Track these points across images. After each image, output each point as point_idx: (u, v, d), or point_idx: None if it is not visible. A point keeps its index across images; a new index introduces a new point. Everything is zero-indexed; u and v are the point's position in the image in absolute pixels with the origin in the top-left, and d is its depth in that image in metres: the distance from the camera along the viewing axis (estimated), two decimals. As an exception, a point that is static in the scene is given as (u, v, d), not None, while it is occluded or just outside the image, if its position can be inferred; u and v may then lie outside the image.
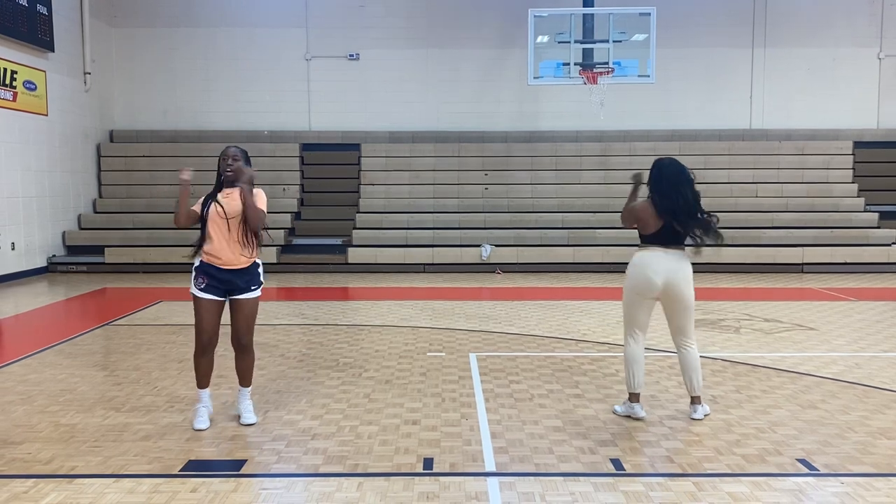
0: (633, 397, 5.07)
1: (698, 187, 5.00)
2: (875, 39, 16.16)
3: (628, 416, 5.06)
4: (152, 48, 16.11)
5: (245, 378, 5.04)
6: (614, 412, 5.16)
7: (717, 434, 4.75)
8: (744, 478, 4.05)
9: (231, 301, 4.88)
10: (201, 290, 4.79)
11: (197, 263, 4.85)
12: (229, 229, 4.75)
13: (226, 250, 4.76)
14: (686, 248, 5.00)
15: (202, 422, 4.87)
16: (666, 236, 4.93)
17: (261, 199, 4.80)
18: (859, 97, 16.28)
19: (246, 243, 4.80)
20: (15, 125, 12.55)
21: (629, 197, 5.21)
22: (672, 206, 4.88)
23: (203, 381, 4.94)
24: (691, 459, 4.32)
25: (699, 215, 4.93)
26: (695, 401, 5.08)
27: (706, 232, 4.94)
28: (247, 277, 4.85)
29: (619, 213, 5.26)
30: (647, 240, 4.99)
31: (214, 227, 4.76)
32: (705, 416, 5.07)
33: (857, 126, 16.24)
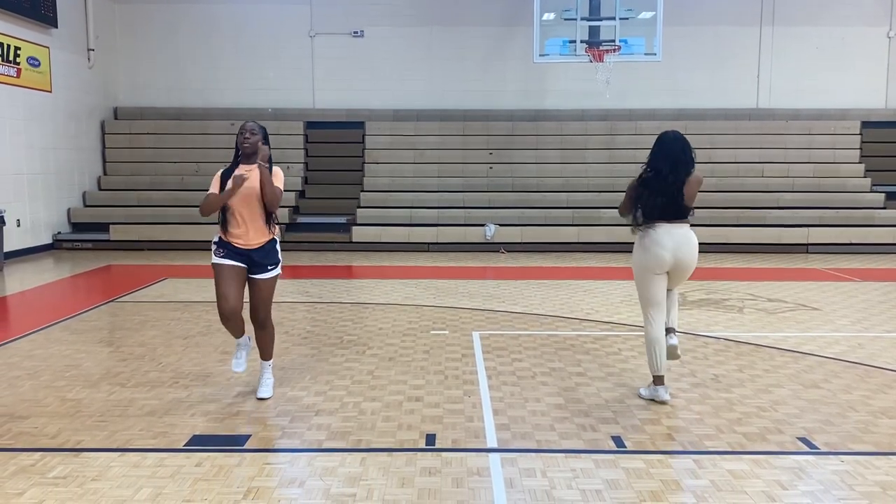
0: (658, 380, 4.99)
1: (704, 171, 4.90)
2: (884, 18, 15.97)
3: (652, 400, 4.98)
4: (156, 25, 16.01)
5: (265, 352, 5.10)
6: (639, 395, 5.10)
7: (718, 412, 4.77)
8: (744, 455, 4.07)
9: (249, 279, 4.88)
10: (221, 257, 4.79)
11: (216, 239, 4.86)
12: (249, 206, 4.74)
13: (245, 227, 4.76)
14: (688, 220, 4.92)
15: (239, 364, 5.05)
16: (668, 210, 4.83)
17: (278, 177, 4.83)
18: (867, 77, 16.12)
19: (264, 220, 4.81)
20: (19, 102, 12.53)
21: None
22: (658, 184, 4.78)
23: (237, 334, 5.03)
24: (692, 437, 4.35)
25: (679, 201, 4.81)
26: (671, 332, 5.03)
27: (674, 214, 4.84)
28: (263, 254, 4.85)
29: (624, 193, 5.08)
30: (651, 215, 4.89)
31: (234, 204, 4.74)
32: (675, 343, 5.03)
33: (865, 106, 16.11)
